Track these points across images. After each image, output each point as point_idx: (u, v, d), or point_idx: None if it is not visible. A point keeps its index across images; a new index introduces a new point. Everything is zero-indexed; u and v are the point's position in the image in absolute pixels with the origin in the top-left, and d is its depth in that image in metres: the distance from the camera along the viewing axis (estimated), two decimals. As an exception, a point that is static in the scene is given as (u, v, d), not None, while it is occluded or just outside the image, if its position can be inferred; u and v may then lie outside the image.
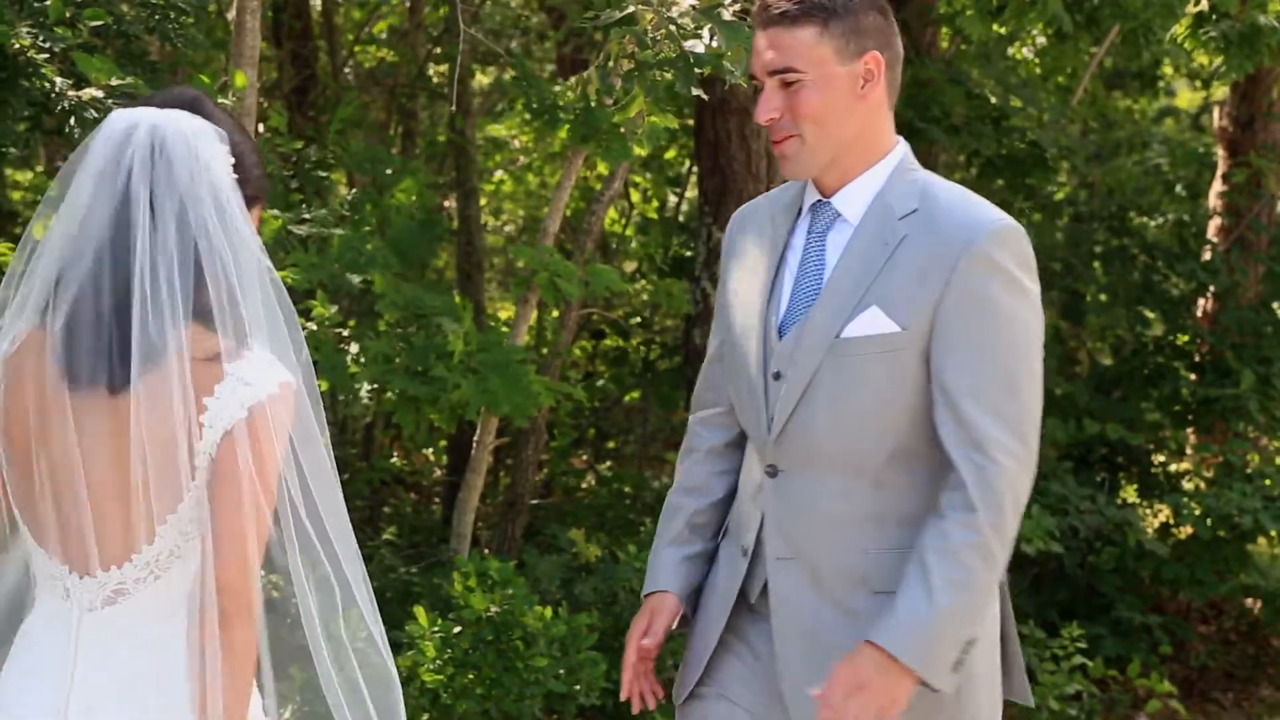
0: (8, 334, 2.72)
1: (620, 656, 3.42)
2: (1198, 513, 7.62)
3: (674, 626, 3.33)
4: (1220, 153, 9.79)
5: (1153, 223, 10.40)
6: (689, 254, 8.77)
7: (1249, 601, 8.38)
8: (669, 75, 5.34)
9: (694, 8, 5.31)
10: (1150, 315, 8.94)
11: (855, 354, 3.06)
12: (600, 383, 9.68)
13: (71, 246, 2.65)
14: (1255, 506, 7.49)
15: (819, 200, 3.17)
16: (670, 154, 10.16)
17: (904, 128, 8.09)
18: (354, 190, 7.13)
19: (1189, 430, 8.79)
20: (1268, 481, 7.70)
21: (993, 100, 8.51)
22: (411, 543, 7.75)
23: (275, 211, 5.73)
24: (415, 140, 9.60)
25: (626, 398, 9.82)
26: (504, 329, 6.85)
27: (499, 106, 11.08)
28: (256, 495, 2.63)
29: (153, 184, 2.64)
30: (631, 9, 5.34)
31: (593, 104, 5.77)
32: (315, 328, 5.81)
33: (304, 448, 2.71)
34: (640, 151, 6.05)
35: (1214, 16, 6.19)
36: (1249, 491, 7.56)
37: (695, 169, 8.99)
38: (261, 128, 6.36)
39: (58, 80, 4.56)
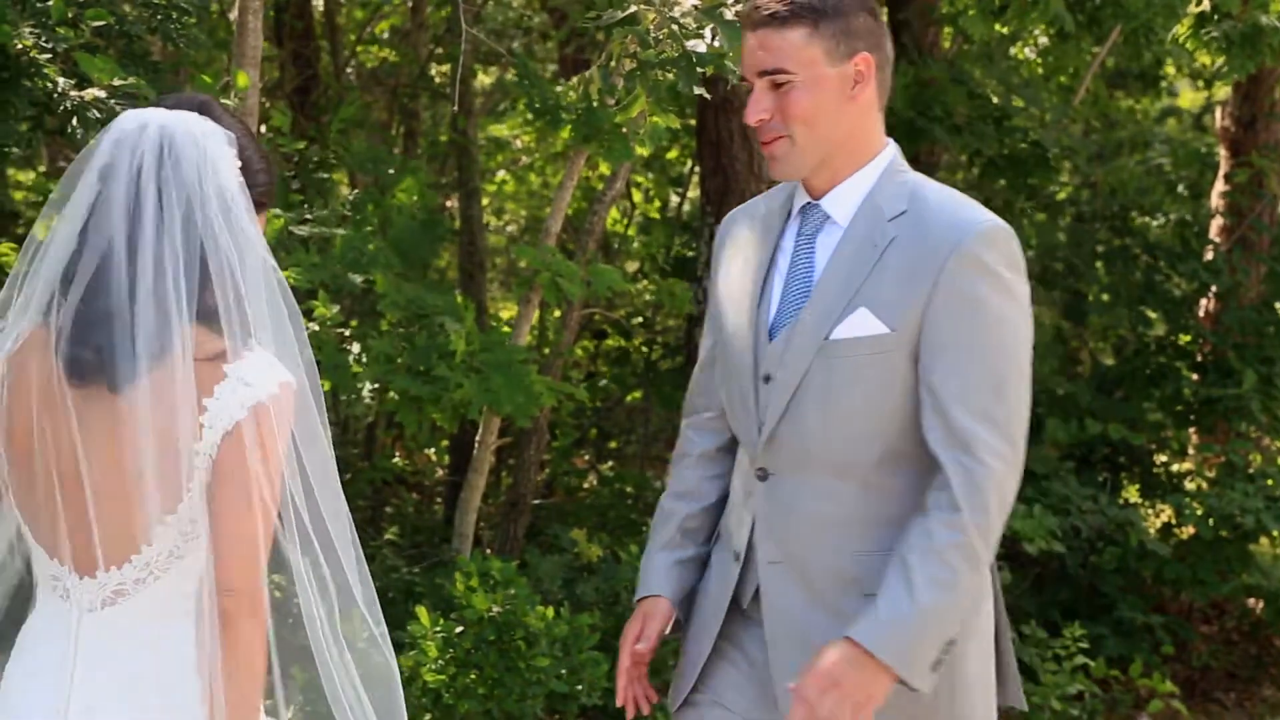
0: (11, 333, 2.72)
1: (622, 657, 3.42)
2: (1200, 513, 7.62)
3: (668, 631, 3.33)
4: (1222, 153, 9.79)
5: (1155, 223, 10.40)
6: (691, 254, 8.76)
7: (1251, 601, 8.38)
8: (671, 75, 5.34)
9: (696, 7, 5.31)
10: (1152, 315, 8.93)
11: (844, 356, 3.06)
12: (602, 383, 9.68)
13: (77, 244, 2.66)
14: (1257, 506, 7.48)
15: (808, 203, 3.17)
16: (672, 154, 10.16)
17: (906, 127, 8.15)
18: (355, 190, 7.14)
19: (1191, 430, 8.79)
20: (1270, 481, 7.70)
21: (995, 100, 8.51)
22: (413, 543, 7.75)
23: (277, 211, 5.73)
24: (417, 140, 9.60)
25: (628, 398, 9.81)
26: (506, 329, 6.84)
27: (501, 106, 11.09)
28: (260, 495, 2.63)
29: (160, 183, 2.65)
30: (634, 9, 5.34)
31: (595, 104, 5.77)
32: (317, 328, 5.82)
33: (307, 448, 2.71)
34: (642, 151, 6.05)
35: (1215, 17, 6.19)
36: (1251, 491, 7.56)
37: (697, 169, 8.98)
38: (264, 128, 6.37)
39: (60, 80, 4.56)
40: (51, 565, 2.71)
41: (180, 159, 2.66)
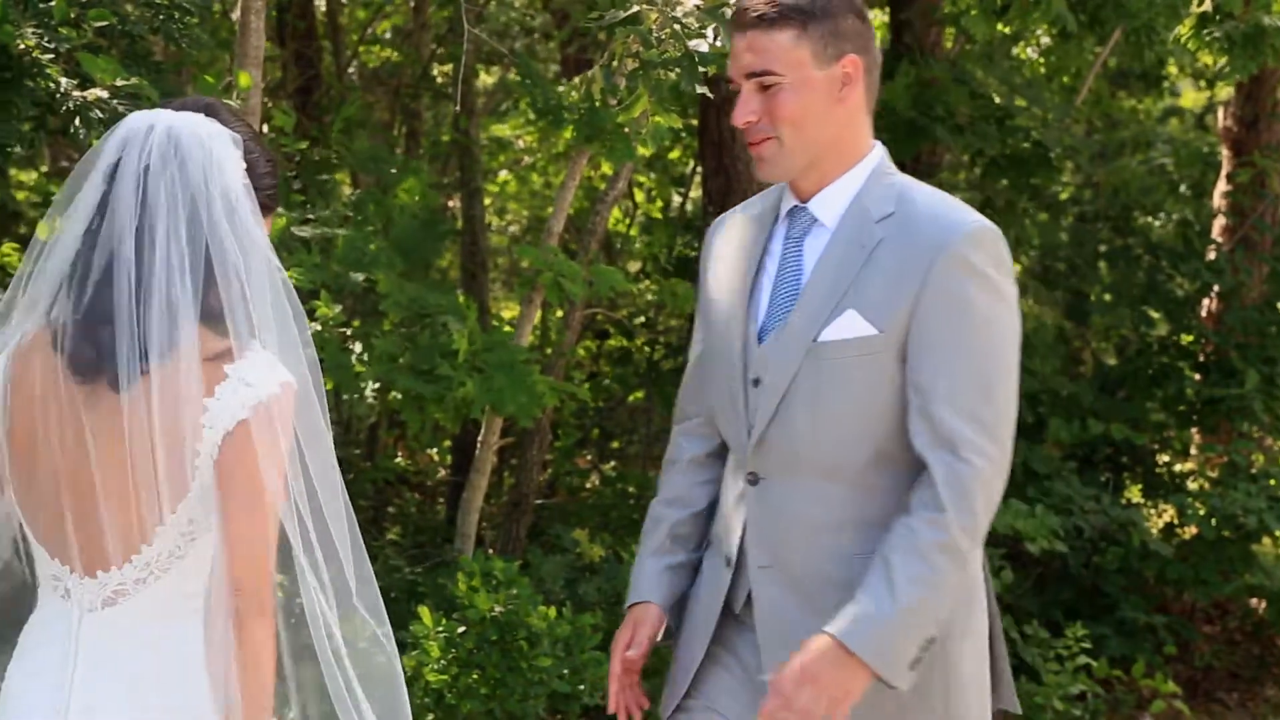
0: (15, 332, 2.73)
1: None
2: (1202, 513, 7.62)
3: (659, 638, 3.32)
4: (1225, 152, 9.79)
5: (1157, 222, 10.40)
6: (693, 254, 8.76)
7: (1254, 601, 8.38)
8: (673, 75, 5.34)
9: (698, 7, 5.31)
10: (1155, 315, 8.93)
11: (833, 358, 3.05)
12: (605, 383, 9.68)
13: (83, 243, 2.66)
14: (1260, 506, 7.48)
15: (796, 205, 3.17)
16: (674, 154, 10.16)
17: (908, 127, 8.13)
18: (357, 190, 7.14)
19: (1193, 430, 8.79)
20: (1272, 481, 7.69)
21: (997, 100, 8.50)
22: (416, 543, 7.75)
23: (279, 210, 5.73)
24: (419, 140, 9.60)
25: (631, 398, 9.81)
26: (508, 329, 6.85)
27: (503, 106, 11.09)
28: (264, 495, 2.63)
29: (167, 184, 2.65)
30: (636, 8, 5.34)
31: (597, 104, 5.77)
32: (319, 328, 5.82)
33: (310, 447, 2.71)
34: (644, 151, 6.06)
35: (1218, 17, 6.19)
36: (1253, 491, 7.56)
37: (699, 169, 8.99)
38: (266, 128, 6.37)
39: (62, 80, 4.56)
40: (52, 565, 2.71)
41: (186, 160, 2.67)
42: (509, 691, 5.54)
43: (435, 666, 5.54)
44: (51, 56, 4.59)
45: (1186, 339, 8.62)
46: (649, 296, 9.70)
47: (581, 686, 5.63)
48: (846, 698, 2.96)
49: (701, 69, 5.25)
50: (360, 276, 6.03)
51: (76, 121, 4.49)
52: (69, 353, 2.65)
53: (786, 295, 3.13)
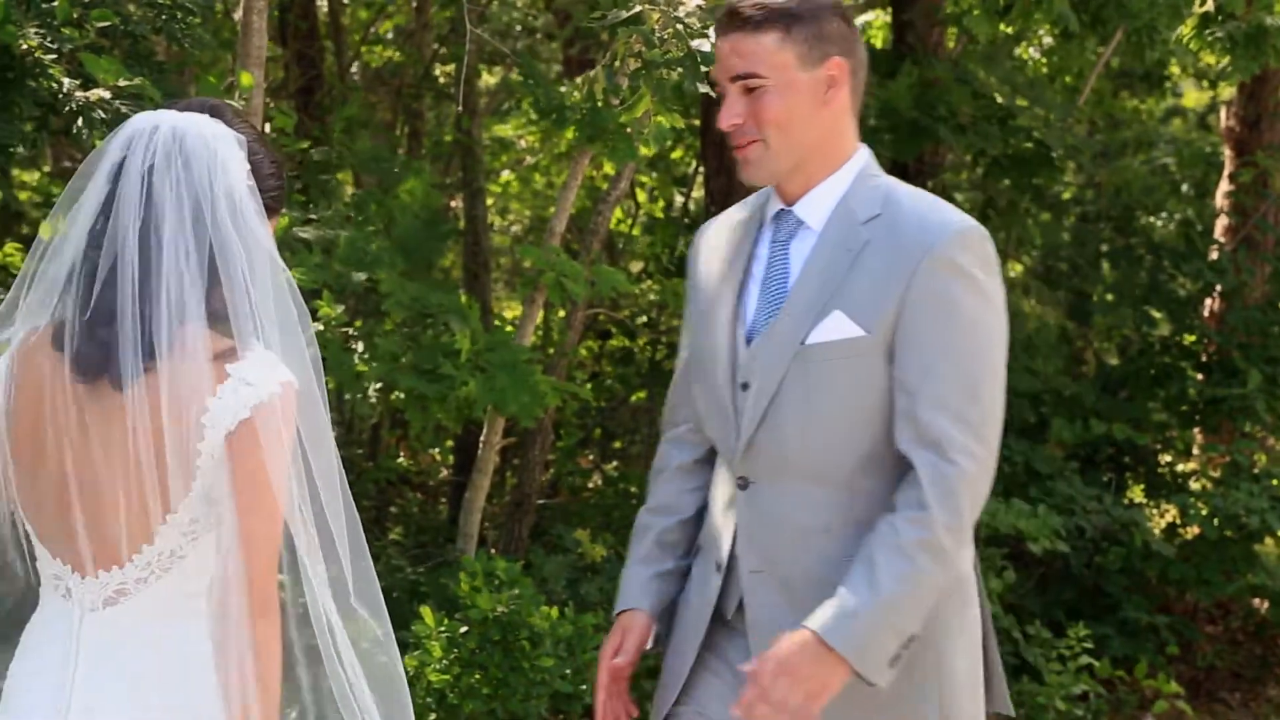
0: (20, 331, 2.73)
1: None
2: (1204, 513, 7.62)
3: (648, 646, 3.32)
4: (1227, 152, 9.79)
5: (1159, 222, 10.40)
6: (695, 254, 8.75)
7: (1256, 601, 8.37)
8: (676, 74, 5.34)
9: (700, 7, 5.31)
10: (1157, 315, 8.93)
11: (820, 360, 3.05)
12: (607, 383, 9.68)
13: (87, 243, 2.66)
14: (1262, 506, 7.48)
15: (782, 209, 3.17)
16: (676, 154, 10.16)
17: (910, 127, 8.13)
18: (359, 190, 7.14)
19: (1196, 430, 8.78)
20: (1275, 481, 7.69)
21: (999, 100, 8.51)
22: (418, 543, 7.75)
23: (282, 209, 5.73)
24: (421, 140, 9.59)
25: (633, 398, 9.81)
26: (510, 329, 6.85)
27: (505, 106, 11.08)
28: (267, 494, 2.63)
29: (171, 183, 2.66)
30: (638, 8, 5.34)
31: (599, 104, 5.77)
32: (322, 327, 5.82)
33: (313, 447, 2.71)
34: (646, 151, 6.06)
35: (1220, 17, 6.19)
36: (1256, 491, 7.55)
37: (701, 168, 8.99)
38: (268, 128, 6.37)
39: (65, 81, 4.56)
40: (54, 564, 2.71)
41: (190, 160, 2.67)
42: (511, 692, 5.54)
43: (437, 666, 5.54)
44: (54, 57, 4.60)
45: (1189, 339, 8.62)
46: (651, 296, 9.70)
47: (584, 687, 5.63)
48: (823, 691, 2.95)
49: (704, 69, 5.25)
50: (362, 276, 6.03)
51: (79, 122, 4.50)
52: (72, 352, 2.65)
53: (774, 298, 3.12)
